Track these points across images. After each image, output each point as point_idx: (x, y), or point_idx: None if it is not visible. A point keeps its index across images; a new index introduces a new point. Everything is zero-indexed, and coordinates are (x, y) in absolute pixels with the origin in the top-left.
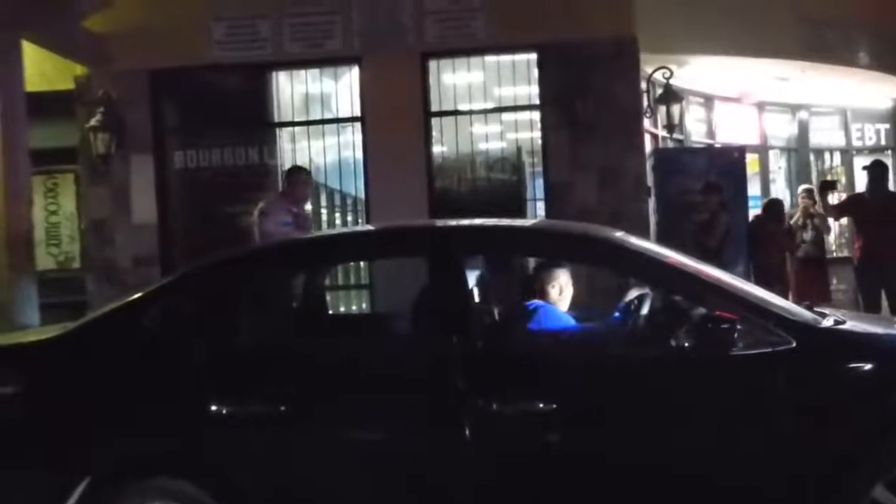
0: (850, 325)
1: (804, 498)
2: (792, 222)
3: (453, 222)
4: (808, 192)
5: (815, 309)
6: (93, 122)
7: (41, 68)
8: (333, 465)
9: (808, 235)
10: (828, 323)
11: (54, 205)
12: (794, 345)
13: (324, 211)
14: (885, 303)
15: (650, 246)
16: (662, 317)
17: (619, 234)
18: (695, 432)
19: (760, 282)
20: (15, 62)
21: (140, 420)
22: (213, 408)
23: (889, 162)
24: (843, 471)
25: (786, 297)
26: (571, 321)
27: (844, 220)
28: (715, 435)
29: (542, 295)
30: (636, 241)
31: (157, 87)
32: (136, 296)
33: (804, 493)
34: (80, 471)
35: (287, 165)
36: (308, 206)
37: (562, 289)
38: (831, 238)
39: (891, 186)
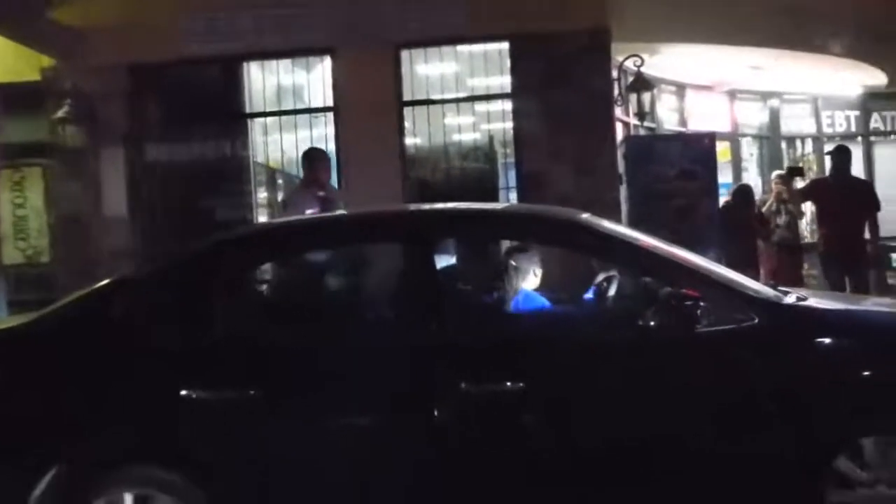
0: (813, 301)
1: (769, 469)
2: (765, 208)
3: (426, 206)
4: (782, 177)
5: (779, 287)
6: (60, 113)
7: (6, 60)
8: (306, 449)
9: (781, 220)
10: (790, 300)
11: (21, 198)
12: (757, 321)
13: None
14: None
15: (617, 227)
16: (630, 297)
17: (585, 216)
18: (662, 408)
19: (732, 267)
20: None
21: (109, 408)
22: (184, 394)
23: (859, 149)
24: (807, 442)
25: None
26: (547, 304)
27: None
28: (681, 410)
29: (513, 277)
30: (603, 222)
31: (129, 80)
32: (103, 284)
33: (769, 464)
34: (45, 461)
35: (260, 158)
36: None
37: (532, 271)
38: (804, 223)
39: (854, 172)
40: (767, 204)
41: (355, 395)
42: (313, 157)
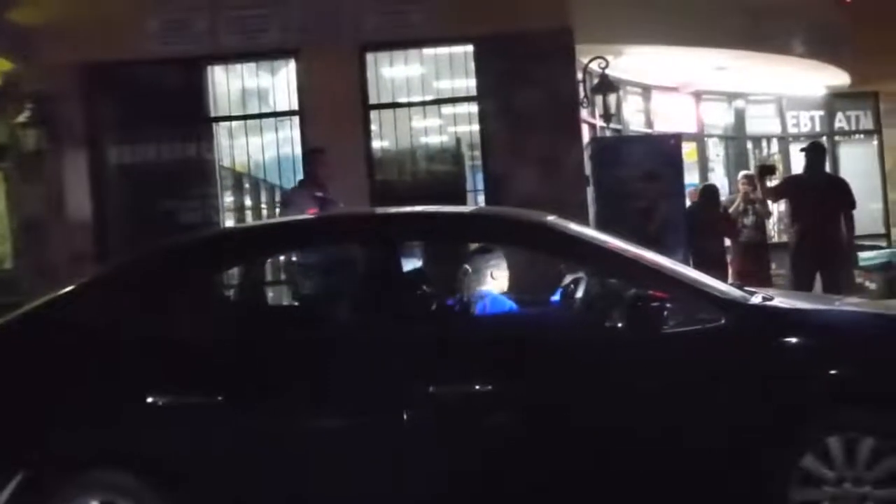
0: (778, 301)
1: (736, 468)
2: (732, 209)
3: (393, 209)
4: (749, 177)
5: (745, 287)
6: (21, 118)
7: None
8: (272, 452)
9: (748, 221)
10: (756, 300)
11: None
12: (724, 321)
13: (263, 207)
14: (818, 285)
15: (583, 230)
16: (597, 299)
17: (552, 218)
18: (630, 409)
19: (699, 267)
20: None
21: (74, 413)
22: (149, 399)
23: None
24: (774, 441)
25: (724, 282)
26: (514, 306)
27: (783, 206)
28: (648, 411)
29: (479, 279)
30: (570, 224)
31: (90, 81)
32: (67, 289)
33: (737, 464)
34: (14, 466)
35: (225, 161)
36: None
37: (497, 273)
38: (771, 223)
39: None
40: (735, 204)
41: (322, 398)
42: (310, 156)
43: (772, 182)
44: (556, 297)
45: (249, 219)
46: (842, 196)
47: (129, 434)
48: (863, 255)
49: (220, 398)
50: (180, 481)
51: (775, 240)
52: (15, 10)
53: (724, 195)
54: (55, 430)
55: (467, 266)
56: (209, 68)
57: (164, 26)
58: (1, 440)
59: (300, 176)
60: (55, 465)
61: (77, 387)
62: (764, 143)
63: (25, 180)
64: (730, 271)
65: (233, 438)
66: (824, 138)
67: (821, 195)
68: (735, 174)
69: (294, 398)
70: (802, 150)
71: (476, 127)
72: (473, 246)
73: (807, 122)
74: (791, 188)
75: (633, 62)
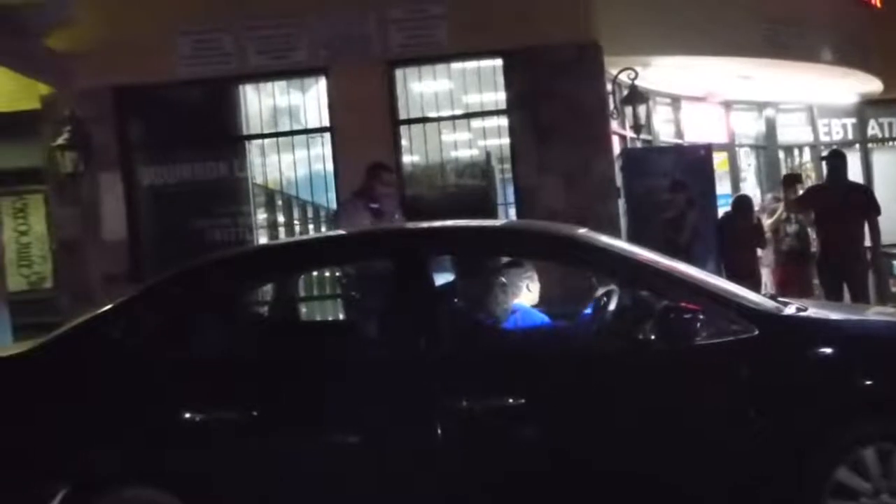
0: (812, 312)
1: (769, 481)
2: (774, 217)
3: (423, 224)
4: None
5: (778, 298)
6: (60, 140)
7: (6, 88)
8: (305, 469)
9: (791, 229)
10: (790, 311)
11: (24, 226)
12: (757, 332)
13: (296, 224)
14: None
15: (614, 242)
16: (629, 311)
17: (583, 231)
18: (663, 421)
19: (731, 278)
20: None
21: (110, 431)
22: (184, 416)
23: (856, 156)
24: (807, 454)
25: (757, 293)
26: (546, 320)
27: None
28: (681, 422)
29: (513, 292)
30: (601, 237)
31: (123, 104)
32: (103, 309)
33: (770, 476)
34: (55, 484)
35: (257, 179)
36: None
37: (532, 286)
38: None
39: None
40: (778, 213)
41: (353, 413)
42: (371, 169)
43: (797, 191)
44: (588, 310)
45: (282, 236)
46: (865, 203)
47: (165, 451)
48: None
49: (254, 415)
50: (216, 498)
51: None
52: (52, 37)
53: (756, 205)
54: (93, 447)
55: (503, 279)
56: (240, 87)
57: (194, 48)
58: (42, 459)
59: (332, 192)
60: (93, 483)
61: (114, 405)
62: (796, 153)
63: (63, 202)
64: (769, 281)
65: (267, 455)
66: (857, 146)
67: (843, 203)
68: (767, 184)
69: (327, 415)
70: (822, 158)
71: (506, 140)
72: (503, 259)
73: (839, 129)
74: (814, 197)
75: (660, 73)
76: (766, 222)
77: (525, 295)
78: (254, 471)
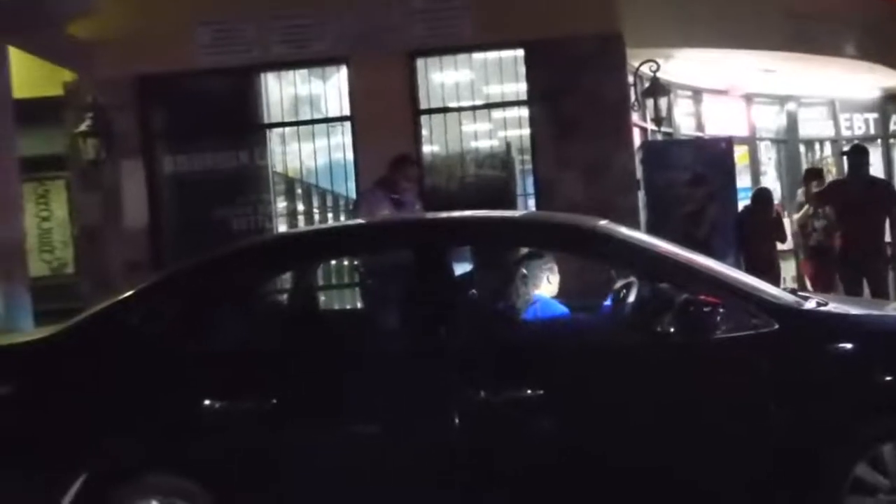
0: (832, 307)
1: (789, 477)
2: (802, 212)
3: (442, 215)
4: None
5: (799, 292)
6: (82, 127)
7: (30, 75)
8: (323, 458)
9: (818, 224)
10: (810, 305)
11: (46, 211)
12: (777, 327)
13: (316, 212)
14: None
15: (635, 234)
16: (648, 303)
17: (604, 223)
18: (681, 414)
19: (750, 271)
20: (2, 68)
21: (131, 417)
22: (204, 404)
23: (878, 151)
24: (827, 449)
25: (777, 286)
26: (565, 311)
27: None
28: (700, 416)
29: (534, 283)
30: (621, 229)
31: (145, 92)
32: (123, 296)
33: (789, 472)
34: (75, 470)
35: (278, 168)
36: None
37: (552, 278)
38: None
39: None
40: (805, 207)
41: (372, 403)
42: (397, 162)
43: (817, 185)
44: (607, 303)
45: (302, 224)
46: (886, 198)
47: (185, 439)
48: None
49: (273, 403)
50: (237, 485)
51: None
52: (75, 25)
53: (776, 199)
54: (113, 434)
55: (524, 270)
56: (261, 76)
57: (216, 37)
58: (63, 444)
59: (352, 181)
60: (115, 469)
61: (134, 392)
62: (817, 147)
63: (84, 189)
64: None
65: (287, 444)
66: (879, 141)
67: (863, 198)
68: (787, 178)
69: (347, 404)
70: (843, 153)
71: (526, 131)
72: (523, 250)
73: (861, 124)
74: (834, 192)
75: (682, 66)
76: (794, 217)
77: (545, 286)
78: (274, 459)
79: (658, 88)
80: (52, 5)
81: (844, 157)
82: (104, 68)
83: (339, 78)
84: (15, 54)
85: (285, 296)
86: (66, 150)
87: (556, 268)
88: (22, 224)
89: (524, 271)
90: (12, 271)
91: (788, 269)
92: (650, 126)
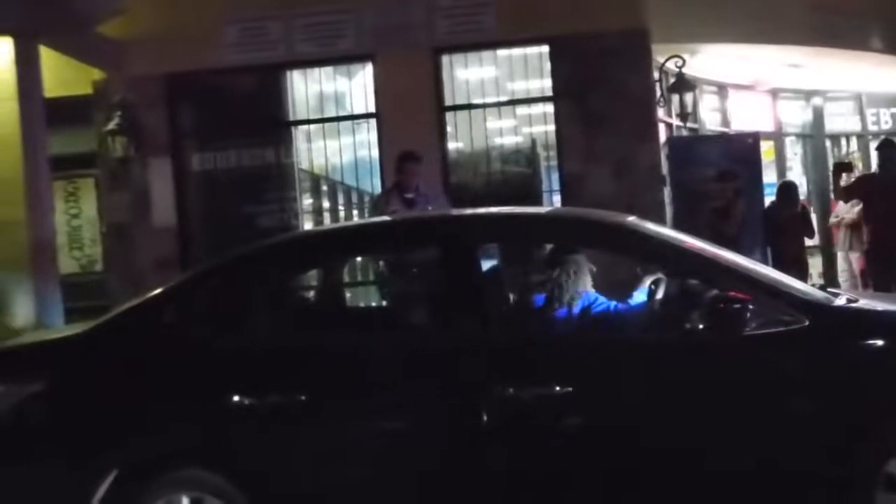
0: (863, 303)
1: (820, 473)
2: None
3: (470, 211)
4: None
5: (829, 289)
6: (111, 125)
7: (60, 74)
8: (354, 453)
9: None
10: (840, 301)
11: (76, 209)
12: (807, 323)
13: (341, 209)
14: None
15: (663, 230)
16: (677, 300)
17: (631, 218)
18: (711, 411)
19: (778, 267)
20: (34, 68)
21: (163, 413)
22: (235, 399)
23: None
24: (858, 446)
25: (804, 282)
26: (613, 304)
27: None
28: (730, 413)
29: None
30: (649, 225)
31: (173, 90)
32: (155, 293)
33: (820, 468)
34: (106, 465)
35: (303, 165)
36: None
37: (578, 274)
38: None
39: None
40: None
41: (403, 399)
42: (400, 160)
43: (846, 179)
44: (637, 299)
45: (327, 221)
46: None
47: (218, 435)
48: None
49: (302, 399)
50: (266, 481)
51: None
52: (105, 25)
53: (801, 194)
54: (145, 430)
55: (569, 267)
56: (287, 74)
57: (242, 35)
58: (95, 439)
59: (377, 178)
60: (146, 464)
61: (164, 388)
62: (843, 142)
63: (113, 186)
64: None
65: (315, 440)
66: None
67: (891, 193)
68: (813, 173)
69: (376, 399)
70: (877, 147)
71: (551, 127)
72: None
73: (887, 119)
74: (862, 187)
75: (707, 61)
76: (847, 215)
77: (585, 282)
78: (301, 454)
79: (683, 84)
80: (83, 5)
81: (876, 152)
82: (133, 67)
83: (364, 75)
84: (45, 53)
85: (314, 292)
86: (95, 148)
87: (586, 265)
88: (52, 222)
89: (571, 267)
90: (43, 268)
91: (815, 265)
92: (676, 122)
